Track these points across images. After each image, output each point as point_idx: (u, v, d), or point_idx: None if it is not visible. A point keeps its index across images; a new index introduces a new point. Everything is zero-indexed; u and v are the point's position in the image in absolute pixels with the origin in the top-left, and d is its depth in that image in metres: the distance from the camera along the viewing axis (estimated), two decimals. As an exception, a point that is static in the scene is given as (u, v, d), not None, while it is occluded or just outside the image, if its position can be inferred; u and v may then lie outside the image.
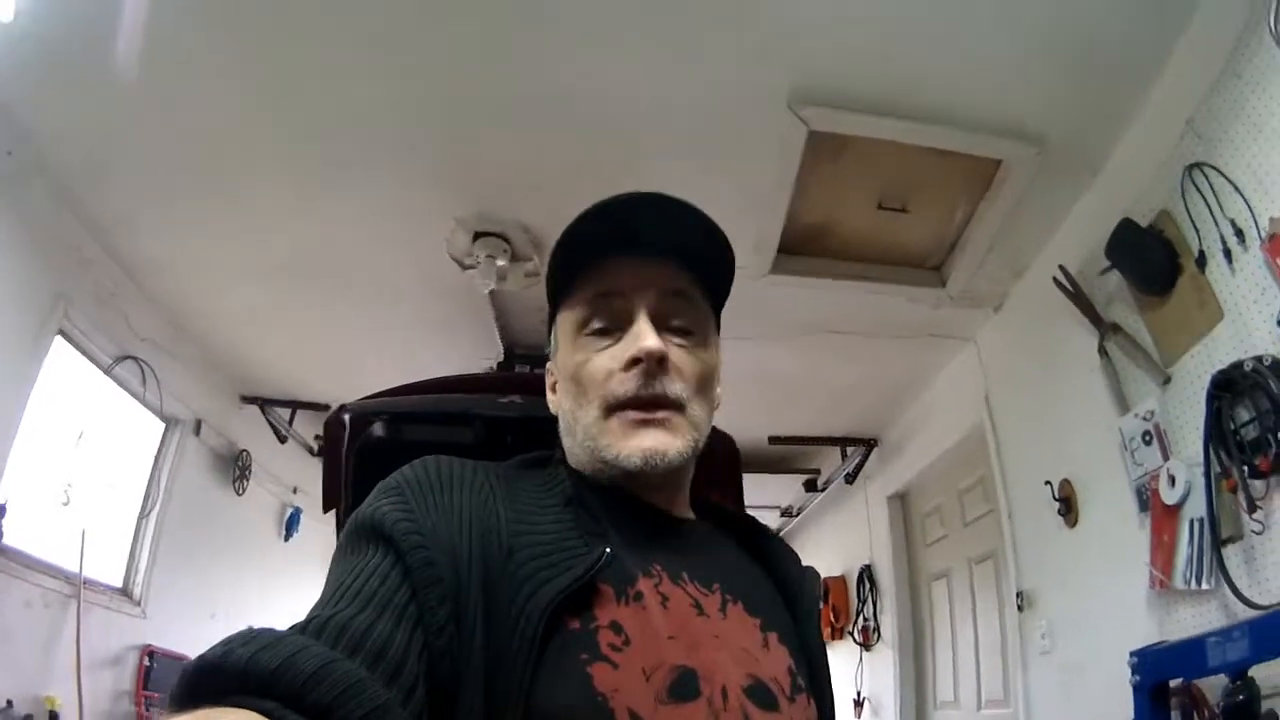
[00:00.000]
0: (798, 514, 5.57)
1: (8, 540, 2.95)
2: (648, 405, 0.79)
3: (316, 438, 4.92)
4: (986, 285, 3.18)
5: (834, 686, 0.88)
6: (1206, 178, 2.09)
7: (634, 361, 0.79)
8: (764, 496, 5.41)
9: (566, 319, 0.86)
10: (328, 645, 0.55)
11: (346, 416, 1.42)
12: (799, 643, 0.83)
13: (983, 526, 3.50)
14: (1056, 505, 2.80)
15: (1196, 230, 2.14)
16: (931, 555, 4.09)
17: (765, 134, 2.46)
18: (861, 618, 4.55)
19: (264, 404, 4.48)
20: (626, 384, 0.79)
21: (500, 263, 3.07)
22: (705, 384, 0.85)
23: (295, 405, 4.55)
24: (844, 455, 4.58)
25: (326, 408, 4.53)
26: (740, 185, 2.67)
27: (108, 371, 3.54)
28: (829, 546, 5.22)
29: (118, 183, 2.86)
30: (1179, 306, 2.23)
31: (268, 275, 3.34)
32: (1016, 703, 2.96)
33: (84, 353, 3.45)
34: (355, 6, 2.10)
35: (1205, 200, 2.10)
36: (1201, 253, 2.12)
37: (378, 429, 1.35)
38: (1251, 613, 1.82)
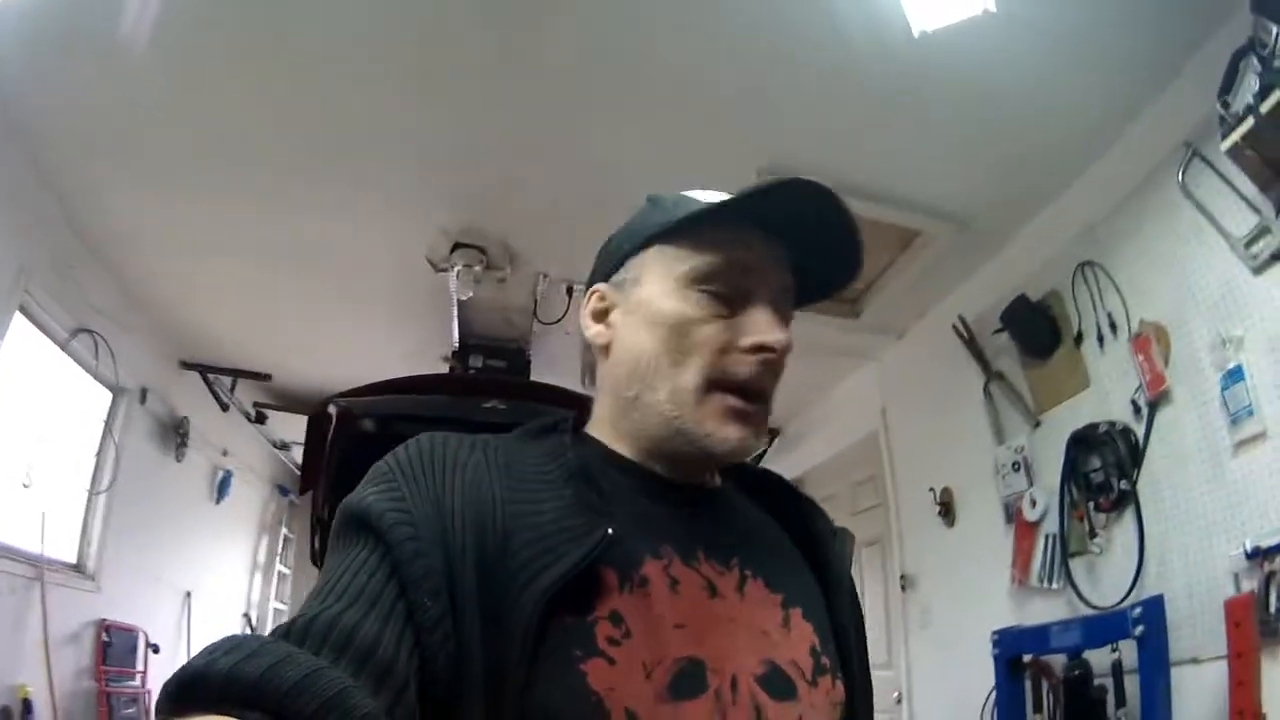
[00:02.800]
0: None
1: None
2: (754, 396, 0.75)
3: (256, 404, 5.10)
4: (893, 318, 3.79)
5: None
6: (1095, 275, 2.69)
7: (761, 349, 0.74)
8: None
9: (673, 259, 0.78)
10: (313, 648, 0.54)
11: (333, 410, 1.66)
12: (827, 615, 0.80)
13: (872, 516, 4.15)
14: (938, 508, 3.46)
15: (1079, 314, 2.76)
16: (824, 536, 4.75)
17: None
18: (758, 586, 5.18)
19: (204, 370, 4.60)
20: (743, 367, 0.74)
21: (476, 269, 3.38)
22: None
23: (237, 373, 4.70)
24: (753, 444, 5.18)
25: (269, 377, 4.73)
26: None
27: (64, 346, 3.52)
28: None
29: (92, 154, 2.91)
30: (1054, 371, 2.87)
31: (234, 252, 3.49)
32: (898, 667, 3.65)
33: (41, 327, 3.39)
34: (360, 16, 2.26)
35: (1090, 292, 2.71)
36: (1080, 333, 2.75)
37: (367, 424, 1.62)
38: (1088, 610, 2.49)
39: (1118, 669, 2.24)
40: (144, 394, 4.12)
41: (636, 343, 0.78)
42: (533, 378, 3.87)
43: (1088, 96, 2.45)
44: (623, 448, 0.80)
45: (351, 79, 2.48)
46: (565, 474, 0.72)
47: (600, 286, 0.85)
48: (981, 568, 3.10)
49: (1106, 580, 2.49)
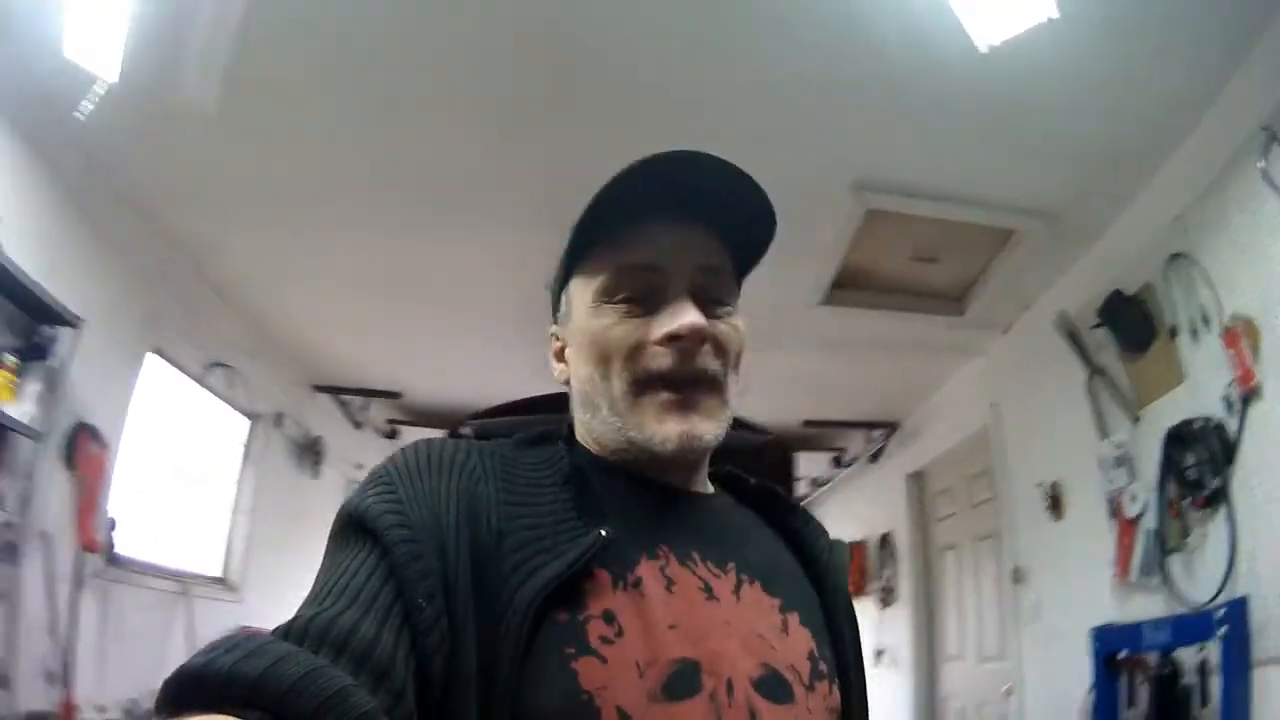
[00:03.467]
0: (825, 485, 6.26)
1: (120, 550, 3.33)
2: (684, 384, 0.74)
3: (388, 421, 5.60)
4: (997, 314, 3.79)
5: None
6: (1185, 267, 2.64)
7: (673, 337, 0.73)
8: (797, 469, 6.11)
9: (586, 284, 0.79)
10: (312, 648, 0.53)
11: (467, 432, 1.84)
12: (824, 622, 0.80)
13: (986, 509, 4.16)
14: (1046, 502, 3.45)
15: (1172, 307, 2.71)
16: (942, 529, 4.79)
17: (831, 210, 3.09)
18: (881, 580, 5.24)
19: (336, 392, 5.09)
20: (660, 359, 0.74)
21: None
22: (739, 358, 0.80)
23: (368, 393, 5.17)
24: (869, 438, 5.24)
25: (399, 395, 5.19)
26: (805, 242, 3.29)
27: (200, 380, 3.95)
28: (853, 515, 5.89)
29: (204, 209, 3.29)
30: (1151, 365, 2.84)
31: (355, 283, 3.86)
32: (1010, 659, 3.66)
33: (177, 365, 3.81)
34: (469, 61, 2.48)
35: (1181, 285, 2.66)
36: (1173, 327, 2.71)
37: None
38: (1183, 608, 2.48)
39: (1203, 669, 2.25)
40: (279, 418, 4.56)
41: (579, 370, 0.80)
42: None
43: (1161, 85, 2.43)
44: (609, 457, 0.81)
45: (463, 120, 2.74)
46: (561, 478, 0.73)
47: (553, 327, 0.87)
48: (1087, 562, 3.09)
49: (1201, 578, 2.47)
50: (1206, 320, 2.55)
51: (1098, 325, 3.07)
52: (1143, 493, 2.78)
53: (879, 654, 5.11)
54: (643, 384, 0.74)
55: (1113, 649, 2.66)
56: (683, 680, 0.64)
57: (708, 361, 0.75)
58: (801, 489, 6.32)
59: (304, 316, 4.33)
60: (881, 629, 5.17)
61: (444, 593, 0.62)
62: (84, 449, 3.04)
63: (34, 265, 2.65)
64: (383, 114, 2.72)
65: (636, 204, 0.75)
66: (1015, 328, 3.85)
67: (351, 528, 0.65)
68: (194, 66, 2.41)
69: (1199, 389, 2.58)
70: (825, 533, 0.89)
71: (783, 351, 4.30)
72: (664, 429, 0.73)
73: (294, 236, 3.49)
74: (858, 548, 5.60)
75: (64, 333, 2.88)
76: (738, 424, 2.51)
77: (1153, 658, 2.48)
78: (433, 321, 4.29)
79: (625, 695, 0.61)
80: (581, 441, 0.82)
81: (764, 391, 4.85)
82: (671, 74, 2.52)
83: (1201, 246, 2.58)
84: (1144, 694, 2.48)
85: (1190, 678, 2.31)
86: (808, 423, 5.31)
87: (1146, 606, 2.70)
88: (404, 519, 0.64)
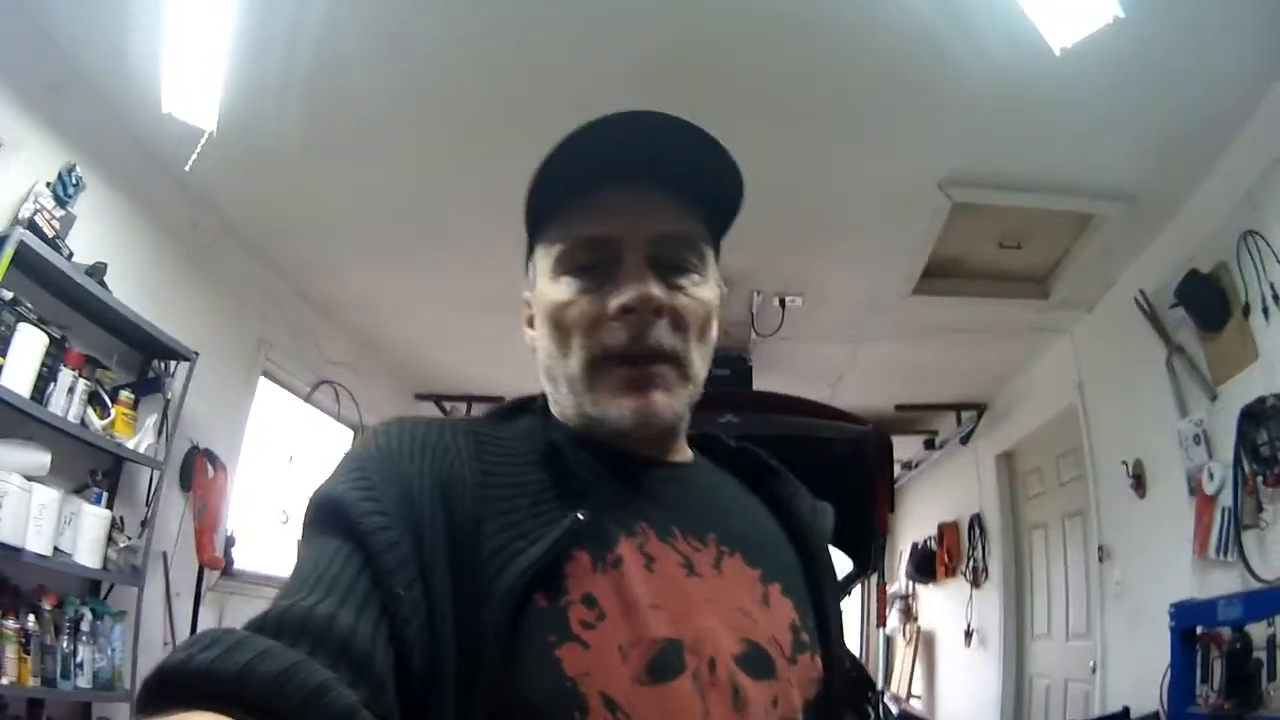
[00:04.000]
0: (916, 466, 6.30)
1: (238, 565, 3.66)
2: (640, 360, 0.72)
3: None
4: (1080, 294, 3.80)
5: (844, 634, 0.84)
6: (1256, 244, 2.65)
7: (626, 310, 0.70)
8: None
9: (546, 252, 0.77)
10: (289, 641, 0.52)
11: None
12: (807, 589, 0.79)
13: (1073, 488, 4.16)
14: (1130, 480, 3.46)
15: (1245, 285, 2.72)
16: (1032, 508, 4.79)
17: (920, 206, 3.22)
18: (972, 560, 5.27)
19: (438, 399, 5.43)
20: (617, 334, 0.71)
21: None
22: (704, 328, 0.77)
23: (470, 399, 5.49)
24: (959, 420, 5.28)
25: (501, 399, 5.47)
26: (897, 238, 3.47)
27: (307, 398, 4.30)
28: (945, 496, 5.94)
29: (305, 238, 3.62)
30: (1226, 343, 2.84)
31: (451, 301, 4.17)
32: (1096, 637, 3.68)
33: (285, 386, 4.18)
34: (543, 82, 2.65)
35: (1254, 262, 2.67)
36: (1246, 304, 2.72)
37: None
38: (1257, 584, 2.50)
39: (1272, 643, 2.28)
40: None
41: (541, 341, 0.78)
42: (754, 384, 4.24)
43: (1225, 66, 2.47)
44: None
45: (541, 144, 2.96)
46: (538, 455, 0.72)
47: (526, 294, 0.85)
48: (1168, 540, 3.10)
49: (1274, 554, 2.49)
50: (1278, 297, 2.56)
51: (1175, 305, 3.07)
52: (1220, 470, 2.79)
53: (969, 633, 5.16)
54: (599, 360, 0.72)
55: (1190, 625, 2.69)
56: (666, 661, 0.63)
57: (663, 336, 0.72)
58: (895, 471, 6.37)
59: (405, 331, 4.67)
60: (972, 609, 5.20)
61: (421, 581, 0.60)
62: (201, 472, 3.37)
63: (145, 305, 2.95)
64: (476, 143, 2.97)
65: (591, 169, 0.73)
66: (1099, 307, 3.85)
67: (325, 516, 0.63)
68: (287, 108, 2.69)
69: (1273, 366, 2.59)
70: (808, 495, 0.87)
71: (876, 342, 4.43)
72: (619, 405, 0.71)
73: (393, 258, 3.81)
74: (949, 528, 5.64)
75: (179, 365, 3.18)
76: (838, 415, 2.69)
77: (1227, 633, 2.51)
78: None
79: (609, 680, 0.60)
80: (552, 410, 0.79)
81: (858, 379, 4.97)
82: (763, 93, 2.69)
83: (1271, 222, 2.58)
84: (1218, 669, 2.51)
85: (1260, 652, 2.34)
86: (900, 406, 5.39)
87: (1224, 583, 2.72)
88: (378, 505, 0.62)
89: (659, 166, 0.74)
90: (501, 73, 2.64)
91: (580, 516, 0.65)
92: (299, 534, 0.66)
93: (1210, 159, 2.85)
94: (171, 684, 0.48)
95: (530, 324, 0.83)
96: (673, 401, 0.73)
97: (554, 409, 0.78)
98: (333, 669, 0.51)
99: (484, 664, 0.59)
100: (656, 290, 0.71)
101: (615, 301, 0.71)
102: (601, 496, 0.69)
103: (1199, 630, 2.67)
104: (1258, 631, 2.38)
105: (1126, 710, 3.10)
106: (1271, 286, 2.57)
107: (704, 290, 0.76)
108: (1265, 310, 2.61)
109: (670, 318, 0.72)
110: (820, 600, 0.79)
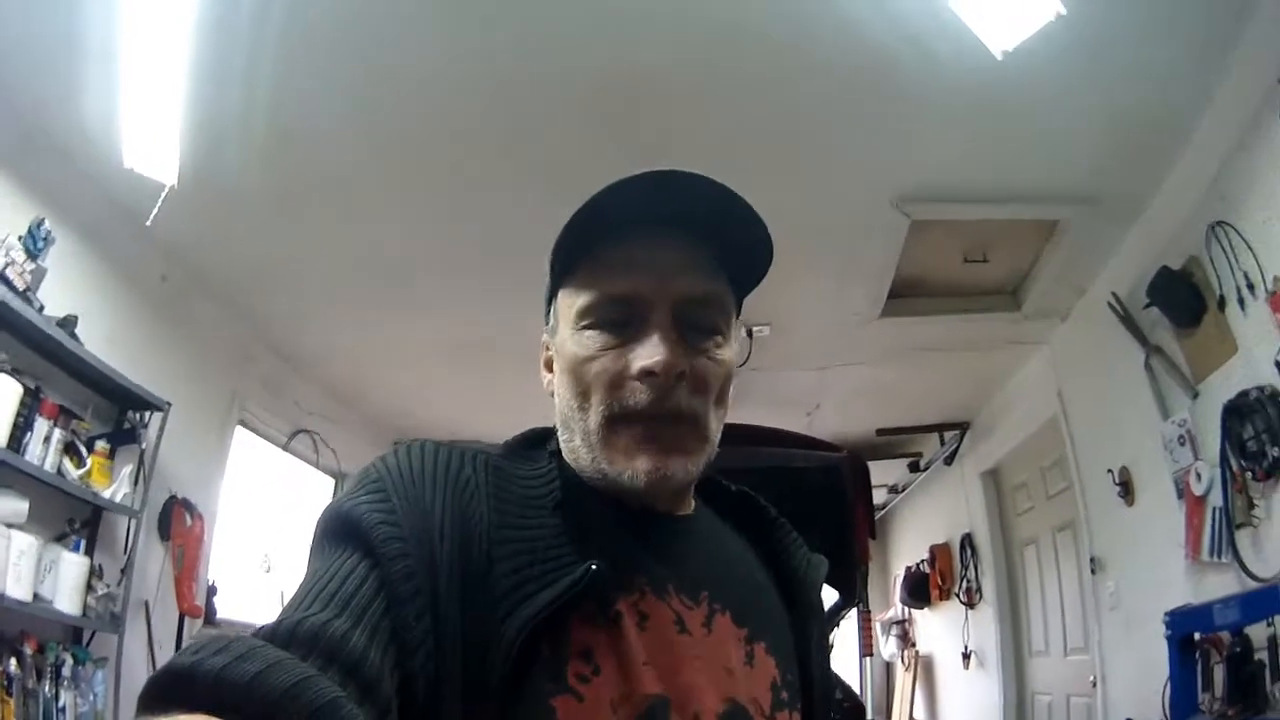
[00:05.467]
0: (903, 490, 6.21)
1: (221, 614, 3.62)
2: (658, 422, 0.72)
3: None
4: (1053, 303, 3.76)
5: (830, 692, 0.87)
6: (1226, 234, 2.60)
7: (648, 373, 0.70)
8: (874, 477, 6.08)
9: (570, 301, 0.76)
10: (300, 654, 0.52)
11: None
12: (793, 643, 0.81)
13: (1062, 500, 4.09)
14: (1118, 488, 3.39)
15: (1218, 278, 2.67)
16: (1021, 524, 4.70)
17: (877, 226, 3.18)
18: (965, 580, 5.16)
19: None
20: (637, 396, 0.71)
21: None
22: (724, 392, 0.77)
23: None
24: (942, 440, 5.22)
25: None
26: (856, 260, 3.42)
27: (284, 447, 4.28)
28: (934, 518, 5.84)
29: (277, 290, 3.60)
30: (1204, 339, 2.79)
31: (425, 346, 4.13)
32: (1094, 650, 3.58)
33: (262, 435, 4.17)
34: (516, 128, 2.66)
35: (1225, 253, 2.61)
36: (1221, 297, 2.66)
37: None
38: (1253, 584, 2.42)
39: (1273, 643, 2.20)
40: None
41: (560, 390, 0.78)
42: (728, 418, 4.15)
43: (1173, 57, 2.43)
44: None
45: (511, 188, 2.92)
46: (552, 501, 0.72)
47: (545, 336, 0.84)
48: (1160, 546, 3.03)
49: (1270, 552, 2.41)
50: (1252, 287, 2.51)
51: (1149, 304, 3.03)
52: (1207, 469, 2.73)
53: (966, 655, 5.04)
54: (618, 419, 0.72)
55: (1187, 631, 2.60)
56: (653, 716, 0.65)
57: (683, 400, 0.72)
58: (880, 497, 6.28)
59: (380, 380, 4.63)
60: (968, 630, 5.09)
61: (432, 613, 0.61)
62: (179, 521, 3.33)
63: (117, 356, 2.94)
64: (438, 191, 2.95)
65: (620, 221, 0.73)
66: (1073, 315, 3.80)
67: (344, 531, 0.64)
68: (248, 160, 2.67)
69: (1252, 358, 2.54)
70: (803, 547, 0.89)
71: (848, 366, 4.38)
72: (634, 466, 0.71)
73: (362, 308, 3.77)
74: (941, 550, 5.54)
75: (153, 415, 3.17)
76: (813, 443, 2.61)
77: (1226, 637, 2.42)
78: (511, 374, 4.45)
79: None
80: (566, 458, 0.78)
81: (835, 405, 4.91)
82: (709, 114, 2.66)
83: (1239, 211, 2.55)
84: (1219, 675, 2.42)
85: (1262, 653, 2.26)
86: (881, 431, 5.33)
87: (1220, 585, 2.63)
88: (398, 531, 0.63)
89: (688, 222, 0.74)
90: (450, 125, 2.63)
91: (594, 568, 0.65)
92: (313, 543, 0.67)
93: (1171, 153, 2.81)
94: (177, 686, 0.48)
95: (548, 366, 0.83)
96: (688, 464, 0.73)
97: (567, 456, 0.78)
98: (341, 688, 0.51)
99: (485, 703, 0.60)
100: (680, 355, 0.71)
101: (639, 364, 0.71)
102: (605, 549, 0.69)
103: (1196, 636, 2.58)
104: (1257, 633, 2.29)
105: (1129, 724, 2.99)
106: (1245, 276, 2.52)
107: (725, 352, 0.76)
108: (1241, 300, 2.56)
109: (690, 381, 0.72)
110: (805, 652, 0.81)
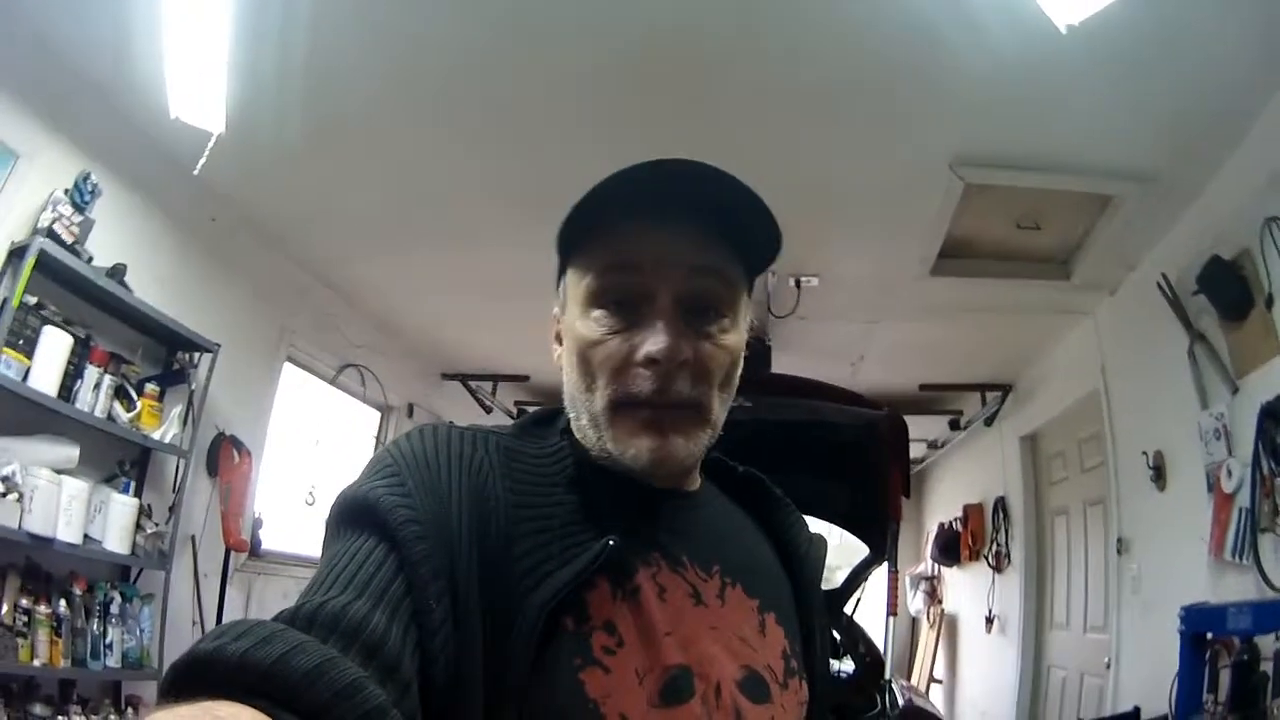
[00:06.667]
0: (942, 446, 6.16)
1: (265, 546, 3.78)
2: (661, 406, 0.72)
3: (517, 403, 5.93)
4: (1103, 276, 3.65)
5: (827, 664, 0.89)
6: (1281, 232, 2.49)
7: (651, 361, 0.71)
8: (914, 432, 6.04)
9: (577, 281, 0.77)
10: (321, 637, 0.53)
11: None
12: (798, 618, 0.83)
13: (1095, 475, 4.03)
14: (1150, 471, 3.33)
15: (1268, 275, 2.57)
16: (1055, 493, 4.66)
17: (932, 187, 3.11)
18: (995, 544, 5.16)
19: (465, 379, 5.43)
20: (640, 383, 0.72)
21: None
22: (728, 375, 0.77)
23: (496, 378, 5.49)
24: (984, 401, 5.15)
25: (527, 378, 5.49)
26: (909, 219, 3.36)
27: (332, 381, 4.39)
28: (970, 478, 5.81)
29: (325, 229, 3.65)
30: (1249, 334, 2.69)
31: (473, 286, 4.18)
32: (1111, 631, 3.58)
33: (310, 370, 4.28)
34: (565, 75, 2.63)
35: (1278, 250, 2.51)
36: (1270, 295, 2.56)
37: None
38: (1271, 592, 2.38)
39: (1279, 658, 2.17)
40: (410, 408, 4.98)
41: (567, 369, 0.79)
42: (774, 365, 4.17)
43: (1244, 43, 2.30)
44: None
45: (554, 133, 2.91)
46: (565, 479, 0.74)
47: (556, 310, 0.85)
48: (1185, 536, 2.98)
49: (1290, 561, 2.37)
50: (1302, 289, 2.40)
51: (1197, 292, 2.91)
52: (1238, 468, 2.66)
53: (989, 620, 5.06)
54: (622, 404, 0.73)
55: (1200, 629, 2.58)
56: (677, 686, 0.67)
57: (686, 387, 0.73)
58: (919, 451, 6.25)
59: (426, 313, 4.69)
60: (994, 594, 5.10)
61: (451, 595, 0.62)
62: (227, 458, 3.46)
63: (167, 300, 3.04)
64: (472, 133, 2.95)
65: (626, 201, 0.73)
66: (1121, 290, 3.69)
67: (361, 516, 0.65)
68: (287, 103, 2.68)
69: (1295, 361, 2.44)
70: (806, 526, 0.91)
71: (895, 322, 4.34)
72: (638, 445, 0.73)
73: (407, 244, 3.81)
74: (974, 510, 5.52)
75: (202, 356, 3.28)
76: (853, 399, 2.60)
77: (1236, 642, 2.40)
78: (548, 313, 4.52)
79: (627, 703, 0.64)
80: (575, 435, 0.80)
81: (880, 358, 4.87)
82: (770, 76, 2.61)
83: (1297, 209, 2.42)
84: (1225, 678, 2.41)
85: (1268, 664, 2.24)
86: (924, 386, 5.26)
87: (1239, 587, 2.60)
88: (415, 514, 0.63)
89: (694, 205, 0.74)
90: (489, 64, 2.58)
91: (612, 543, 0.67)
92: (328, 528, 0.67)
93: (1233, 139, 2.68)
94: (201, 671, 0.49)
95: (558, 340, 0.84)
96: (690, 445, 0.74)
97: (576, 433, 0.79)
98: (363, 669, 0.52)
99: (510, 680, 0.61)
100: (683, 343, 0.72)
101: (642, 351, 0.72)
102: (621, 524, 0.71)
103: (1209, 636, 2.56)
104: (1266, 643, 2.27)
105: (1137, 710, 3.00)
106: (1296, 277, 2.42)
107: (730, 337, 0.76)
108: (1289, 302, 2.46)
109: (693, 368, 0.73)
110: (810, 629, 0.84)
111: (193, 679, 0.48)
